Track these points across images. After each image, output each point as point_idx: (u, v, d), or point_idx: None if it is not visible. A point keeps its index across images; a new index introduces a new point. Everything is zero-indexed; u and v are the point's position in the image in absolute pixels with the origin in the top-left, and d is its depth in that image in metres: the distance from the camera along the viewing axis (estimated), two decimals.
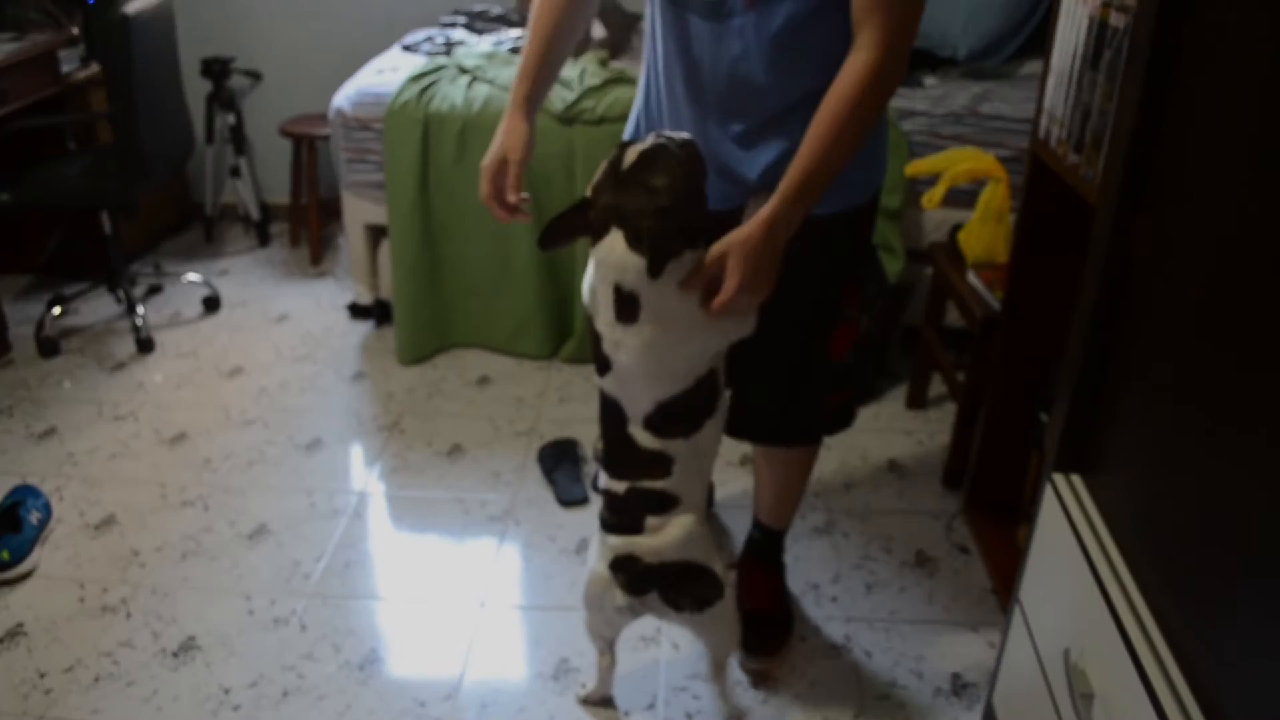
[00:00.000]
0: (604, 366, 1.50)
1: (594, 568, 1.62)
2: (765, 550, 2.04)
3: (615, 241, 1.38)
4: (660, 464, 1.53)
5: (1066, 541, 1.35)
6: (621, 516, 1.57)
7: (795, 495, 1.99)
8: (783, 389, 1.77)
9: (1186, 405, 1.10)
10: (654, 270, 1.36)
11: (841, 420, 1.96)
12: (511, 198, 1.54)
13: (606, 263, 1.40)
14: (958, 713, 1.84)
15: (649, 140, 1.42)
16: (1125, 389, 1.28)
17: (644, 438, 1.52)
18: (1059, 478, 1.42)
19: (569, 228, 1.45)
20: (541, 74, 1.58)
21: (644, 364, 1.45)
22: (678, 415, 1.51)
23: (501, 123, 1.57)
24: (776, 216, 1.38)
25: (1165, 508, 1.14)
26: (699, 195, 1.43)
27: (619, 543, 1.56)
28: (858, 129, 1.40)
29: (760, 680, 1.90)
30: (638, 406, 1.51)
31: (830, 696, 1.87)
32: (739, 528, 2.22)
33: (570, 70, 2.96)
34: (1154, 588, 1.16)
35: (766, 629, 1.96)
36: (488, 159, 1.56)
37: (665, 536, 1.55)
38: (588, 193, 1.43)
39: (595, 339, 1.50)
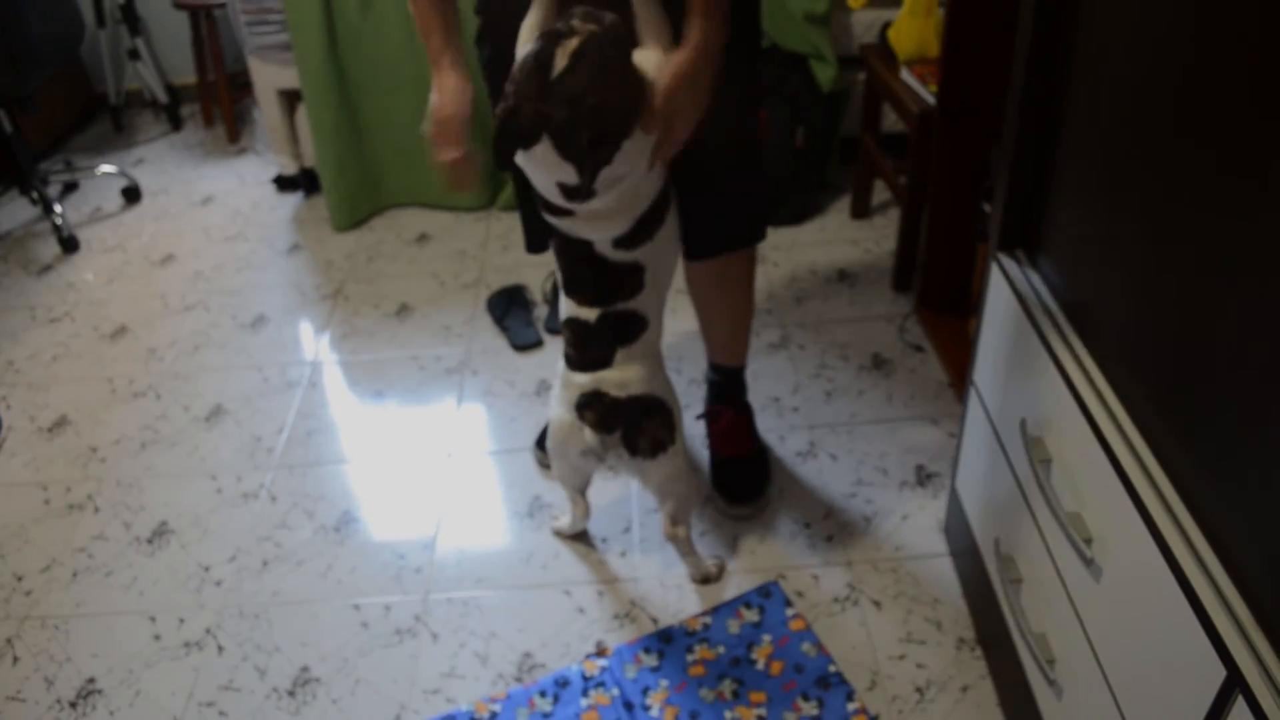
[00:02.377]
0: (563, 212, 1.45)
1: (558, 414, 1.60)
2: (729, 391, 2.00)
3: (547, 150, 1.31)
4: (633, 276, 1.51)
5: (1015, 317, 1.36)
6: (590, 350, 1.54)
7: (745, 324, 1.94)
8: (727, 182, 1.70)
9: (1124, 174, 1.09)
10: (587, 193, 1.33)
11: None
12: (456, 154, 1.48)
13: (542, 164, 1.34)
14: (924, 500, 1.90)
15: (576, 31, 1.27)
16: (1062, 164, 1.27)
17: (615, 254, 1.49)
18: (1004, 256, 1.42)
19: (512, 141, 1.34)
20: (450, 23, 1.50)
21: (615, 209, 1.43)
22: (650, 222, 1.48)
23: (435, 82, 1.48)
24: (709, 38, 1.33)
25: (1108, 273, 1.15)
26: (630, 77, 1.34)
27: (586, 379, 1.54)
28: None
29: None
30: (610, 234, 1.47)
31: (800, 500, 1.92)
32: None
33: None
34: (1103, 350, 1.17)
35: (747, 473, 1.94)
36: (430, 124, 1.47)
37: (630, 370, 1.54)
38: (508, 91, 1.31)
39: (546, 203, 1.46)
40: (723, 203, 1.72)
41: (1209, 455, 0.94)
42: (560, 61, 1.26)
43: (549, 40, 1.28)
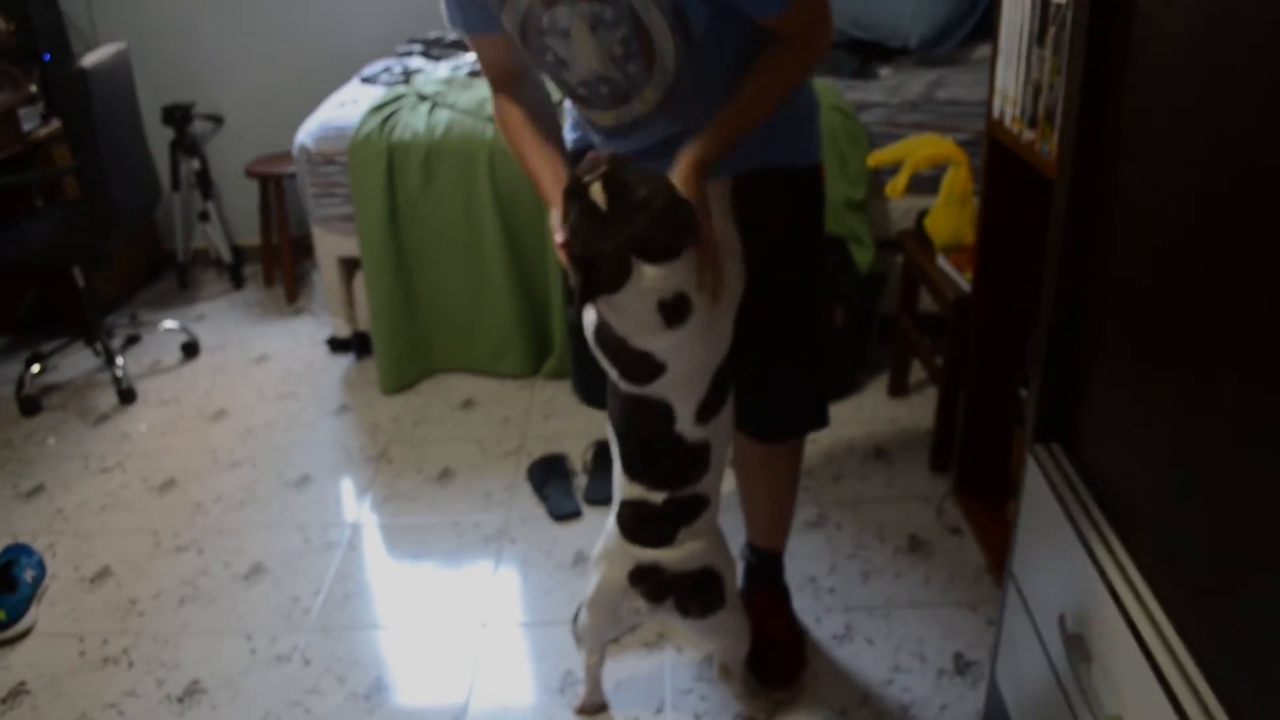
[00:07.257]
0: (652, 375, 1.46)
1: (609, 574, 1.60)
2: (766, 575, 2.00)
3: (640, 269, 1.33)
4: (701, 459, 1.52)
5: (1052, 510, 1.37)
6: (653, 528, 1.55)
7: (788, 511, 1.95)
8: (803, 366, 1.75)
9: (1155, 367, 1.12)
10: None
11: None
12: None
13: (640, 291, 1.35)
14: (963, 691, 1.86)
15: (597, 169, 1.33)
16: (1096, 357, 1.30)
17: (693, 431, 1.50)
18: (1039, 448, 1.44)
19: (600, 287, 1.37)
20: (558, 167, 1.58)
21: (706, 345, 1.46)
22: (722, 385, 1.51)
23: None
24: (706, 157, 1.45)
25: (1144, 469, 1.16)
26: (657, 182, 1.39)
27: (645, 553, 1.55)
28: (785, 94, 1.52)
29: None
30: (693, 396, 1.48)
31: (836, 686, 1.88)
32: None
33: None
34: (1140, 548, 1.17)
35: (782, 657, 1.91)
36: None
37: (689, 547, 1.56)
38: (567, 249, 1.36)
39: (639, 357, 1.44)
40: (786, 387, 1.77)
41: (1252, 664, 0.93)
42: (599, 196, 1.32)
43: (580, 188, 1.33)
